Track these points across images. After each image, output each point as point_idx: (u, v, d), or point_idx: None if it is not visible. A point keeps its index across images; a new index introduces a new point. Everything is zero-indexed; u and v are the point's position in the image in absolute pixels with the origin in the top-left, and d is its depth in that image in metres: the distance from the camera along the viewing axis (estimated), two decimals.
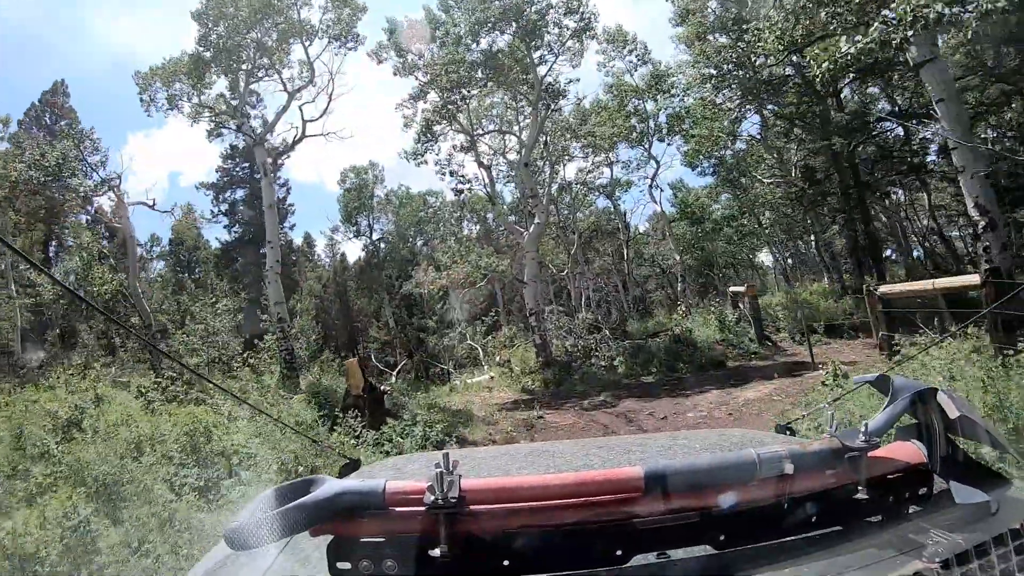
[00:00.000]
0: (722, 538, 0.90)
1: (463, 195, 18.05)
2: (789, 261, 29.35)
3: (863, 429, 0.95)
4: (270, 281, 16.11)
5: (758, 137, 18.77)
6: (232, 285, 29.00)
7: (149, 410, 7.34)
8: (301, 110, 17.11)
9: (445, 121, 17.24)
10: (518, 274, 18.99)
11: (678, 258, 20.52)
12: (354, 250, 40.36)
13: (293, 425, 6.82)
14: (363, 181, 38.70)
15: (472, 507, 0.84)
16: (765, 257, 33.55)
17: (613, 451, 1.57)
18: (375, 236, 37.92)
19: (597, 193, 28.24)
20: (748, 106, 18.29)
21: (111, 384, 9.41)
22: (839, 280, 16.86)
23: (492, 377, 17.37)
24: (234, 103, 17.16)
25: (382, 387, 8.10)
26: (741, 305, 14.71)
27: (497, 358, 18.81)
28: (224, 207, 32.42)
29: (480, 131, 18.16)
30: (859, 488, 0.94)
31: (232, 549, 0.84)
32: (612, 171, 25.79)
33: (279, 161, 36.74)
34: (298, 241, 39.67)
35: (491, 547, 0.86)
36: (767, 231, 28.70)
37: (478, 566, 0.85)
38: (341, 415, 7.77)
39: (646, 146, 21.39)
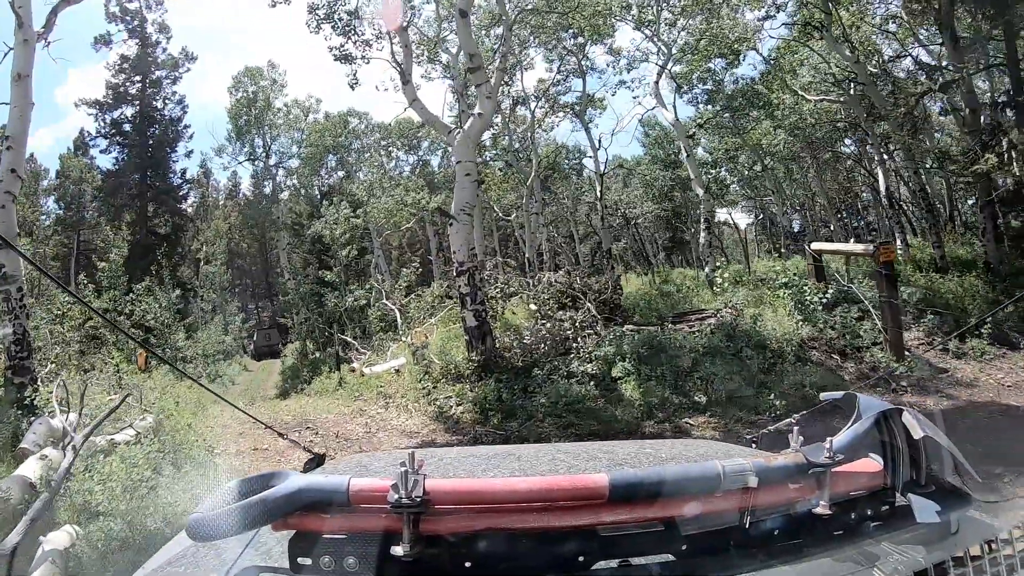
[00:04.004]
0: (684, 548, 0.89)
1: (355, 66, 10.75)
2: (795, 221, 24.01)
3: (828, 446, 0.93)
4: None
5: (818, 26, 12.42)
6: (113, 223, 25.48)
7: None
8: None
9: None
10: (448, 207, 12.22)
11: (700, 193, 13.80)
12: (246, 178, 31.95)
13: None
14: (260, 89, 30.26)
15: (436, 507, 0.82)
16: (737, 216, 28.53)
17: (579, 457, 1.51)
18: (272, 161, 29.59)
19: (562, 114, 21.64)
20: None
21: None
22: (936, 244, 11.12)
23: (398, 371, 11.03)
24: None
25: None
26: (839, 276, 8.46)
27: (410, 337, 12.32)
28: (110, 129, 27.25)
29: None
30: (821, 503, 0.92)
31: (192, 540, 0.85)
32: (584, 83, 19.17)
33: (162, 78, 27.44)
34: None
35: (453, 548, 0.84)
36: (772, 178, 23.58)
37: (440, 566, 0.84)
38: None
39: (650, 32, 14.53)
